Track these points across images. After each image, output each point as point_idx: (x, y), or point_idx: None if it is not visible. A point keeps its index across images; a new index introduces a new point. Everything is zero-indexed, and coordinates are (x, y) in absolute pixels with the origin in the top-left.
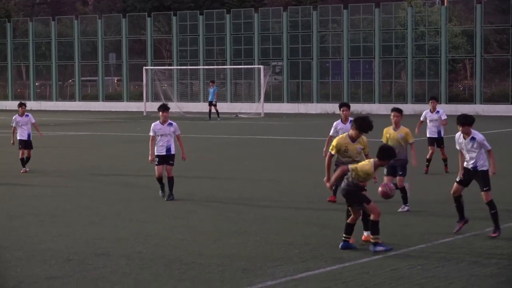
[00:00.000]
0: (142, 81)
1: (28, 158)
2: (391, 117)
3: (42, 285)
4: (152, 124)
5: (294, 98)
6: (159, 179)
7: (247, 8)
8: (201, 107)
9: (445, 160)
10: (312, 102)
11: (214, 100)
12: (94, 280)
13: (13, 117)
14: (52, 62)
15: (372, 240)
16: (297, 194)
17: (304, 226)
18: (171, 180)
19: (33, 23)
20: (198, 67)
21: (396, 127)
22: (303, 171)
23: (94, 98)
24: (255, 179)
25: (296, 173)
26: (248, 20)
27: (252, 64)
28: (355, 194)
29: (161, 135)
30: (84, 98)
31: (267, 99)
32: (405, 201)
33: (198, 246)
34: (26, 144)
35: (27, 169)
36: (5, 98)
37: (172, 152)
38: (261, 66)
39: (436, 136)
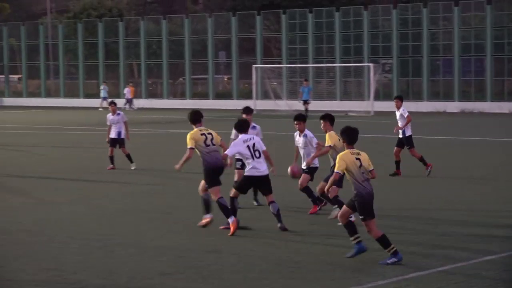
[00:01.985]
0: (251, 79)
1: (128, 156)
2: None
3: (154, 281)
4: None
5: (404, 96)
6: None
7: (356, 5)
8: (311, 105)
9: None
10: (422, 101)
11: (309, 98)
12: (205, 277)
13: (107, 116)
14: (163, 60)
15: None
16: (410, 193)
17: (416, 224)
18: None
19: (145, 22)
20: (308, 65)
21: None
22: (412, 168)
23: (204, 96)
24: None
25: (404, 171)
26: (357, 17)
27: (361, 62)
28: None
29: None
30: (194, 96)
31: (377, 97)
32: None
33: (307, 245)
34: (114, 142)
35: (115, 167)
36: (117, 96)
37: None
38: (371, 64)
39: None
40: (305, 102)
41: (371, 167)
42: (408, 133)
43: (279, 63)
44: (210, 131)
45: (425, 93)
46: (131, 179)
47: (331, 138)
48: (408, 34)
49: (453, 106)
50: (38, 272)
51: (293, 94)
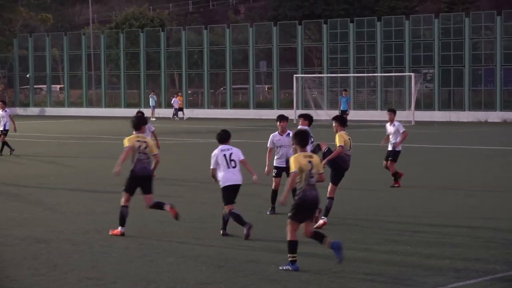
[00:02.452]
0: (292, 88)
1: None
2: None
3: None
4: (271, 135)
5: (446, 106)
6: (275, 192)
7: (398, 15)
8: (351, 115)
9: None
10: (464, 110)
11: (348, 110)
12: (244, 286)
13: None
14: (204, 70)
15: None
16: (448, 203)
17: (454, 237)
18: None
19: (186, 32)
20: (349, 75)
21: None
22: (452, 180)
23: (245, 105)
24: (404, 187)
25: (446, 183)
26: (399, 27)
27: (403, 72)
28: None
29: (279, 146)
30: (235, 105)
31: (418, 107)
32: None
33: (346, 255)
34: None
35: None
36: (159, 106)
37: None
38: (412, 74)
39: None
40: (344, 113)
41: (321, 171)
42: (398, 148)
43: (320, 72)
44: (146, 140)
45: (467, 103)
46: (168, 190)
47: (340, 138)
48: (450, 44)
49: (494, 116)
50: (78, 281)
51: (334, 104)
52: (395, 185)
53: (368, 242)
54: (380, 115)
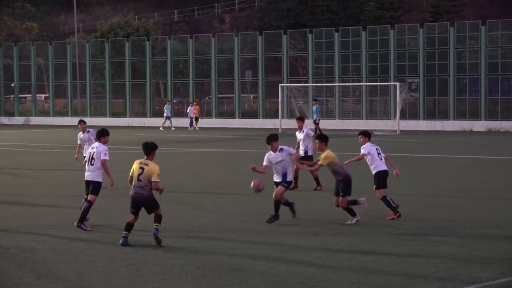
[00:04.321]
0: (278, 98)
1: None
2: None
3: None
4: (266, 154)
5: (431, 115)
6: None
7: (383, 25)
8: (336, 124)
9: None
10: (449, 120)
11: (318, 118)
12: None
13: (78, 134)
14: (190, 79)
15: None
16: (432, 211)
17: (439, 245)
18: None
19: (171, 41)
20: (334, 84)
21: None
22: (437, 189)
23: (231, 115)
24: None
25: (430, 191)
26: (384, 36)
27: (388, 81)
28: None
29: (276, 163)
30: (221, 115)
31: (403, 116)
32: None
33: (332, 263)
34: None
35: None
36: (144, 115)
37: (288, 179)
38: (397, 83)
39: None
40: (314, 122)
41: (154, 179)
42: (310, 153)
43: (305, 82)
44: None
45: (452, 112)
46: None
47: (326, 158)
48: (435, 53)
49: (479, 125)
50: None
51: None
52: (318, 188)
53: (353, 251)
54: (365, 124)
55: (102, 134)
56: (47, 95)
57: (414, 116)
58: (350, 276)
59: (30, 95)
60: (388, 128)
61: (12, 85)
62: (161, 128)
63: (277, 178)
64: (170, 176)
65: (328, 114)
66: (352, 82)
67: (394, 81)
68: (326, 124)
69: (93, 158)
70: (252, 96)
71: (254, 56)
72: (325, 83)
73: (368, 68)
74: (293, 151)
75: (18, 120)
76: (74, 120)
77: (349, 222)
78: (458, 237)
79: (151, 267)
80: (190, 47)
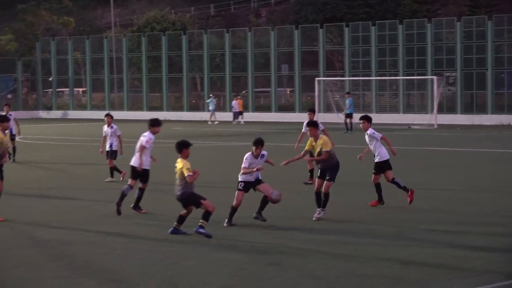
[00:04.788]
0: (314, 92)
1: (111, 168)
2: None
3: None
4: (248, 156)
5: (468, 109)
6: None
7: (420, 18)
8: (373, 118)
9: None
10: (487, 113)
11: (346, 111)
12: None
13: (103, 127)
14: (226, 73)
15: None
16: (470, 206)
17: (477, 239)
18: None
19: (208, 35)
20: (371, 78)
21: (315, 138)
22: (474, 184)
23: (267, 109)
24: (425, 190)
25: (467, 186)
26: (421, 30)
27: (425, 75)
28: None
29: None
30: (257, 109)
31: (441, 110)
32: (324, 205)
33: (368, 257)
34: (110, 154)
35: (113, 179)
36: (180, 109)
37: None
38: (434, 77)
39: None
40: (348, 116)
41: (186, 174)
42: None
43: (342, 76)
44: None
45: (490, 106)
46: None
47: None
48: (472, 47)
49: None
50: (100, 283)
51: (356, 107)
52: (309, 182)
53: (389, 244)
54: (402, 118)
55: (152, 124)
56: (84, 89)
57: (451, 110)
58: (386, 270)
59: (68, 89)
60: (425, 122)
61: (50, 79)
62: (209, 122)
63: (250, 179)
64: (209, 170)
65: (364, 108)
66: (389, 76)
67: (432, 75)
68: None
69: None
70: (288, 90)
71: (290, 50)
72: (362, 77)
73: (405, 62)
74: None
75: (56, 114)
76: (112, 114)
77: (316, 215)
78: (496, 231)
79: (187, 260)
80: (227, 41)
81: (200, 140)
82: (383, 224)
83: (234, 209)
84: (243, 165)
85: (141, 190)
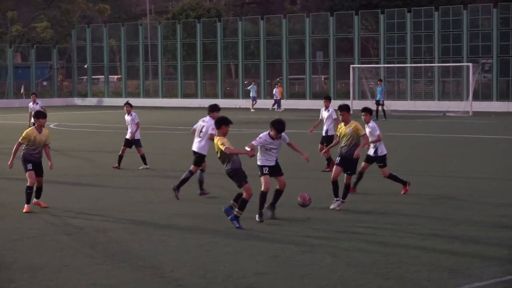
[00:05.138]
0: (349, 79)
1: (142, 156)
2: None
3: (250, 280)
4: (263, 136)
5: (504, 96)
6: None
7: (456, 5)
8: (408, 105)
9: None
10: None
11: (382, 99)
12: (300, 277)
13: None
14: (261, 60)
15: (235, 213)
16: (506, 193)
17: None
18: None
19: (243, 22)
20: (406, 65)
21: (346, 123)
22: (510, 171)
23: (301, 96)
24: (463, 177)
25: (504, 173)
26: (457, 17)
27: (460, 62)
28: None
29: (272, 149)
30: (292, 96)
31: (476, 97)
32: (344, 196)
33: (404, 245)
34: (128, 143)
35: (120, 167)
36: (215, 96)
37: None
38: (470, 64)
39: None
40: (378, 103)
41: (224, 147)
42: (331, 133)
43: (377, 63)
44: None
45: None
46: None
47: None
48: (509, 33)
49: None
50: (135, 270)
51: (390, 94)
52: (327, 170)
53: (424, 233)
54: (437, 105)
55: (212, 109)
56: (119, 76)
57: (487, 97)
58: (421, 257)
59: (103, 76)
60: (460, 109)
61: (85, 66)
62: (252, 110)
63: (269, 162)
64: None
65: (399, 95)
66: (424, 63)
67: (467, 62)
68: (397, 105)
69: (201, 131)
70: (323, 77)
71: (325, 37)
72: (397, 64)
73: (440, 49)
74: (287, 139)
75: (91, 101)
76: (146, 102)
77: (335, 206)
78: None
79: (222, 247)
80: (261, 28)
81: (235, 127)
82: (416, 212)
83: (264, 196)
84: (252, 142)
85: (201, 171)
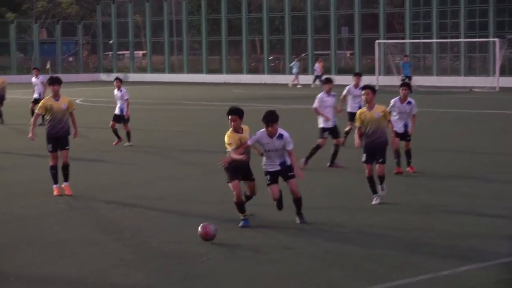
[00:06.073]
0: (374, 54)
1: (127, 133)
2: (362, 95)
3: (277, 256)
4: (258, 134)
5: None
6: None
7: None
8: (434, 80)
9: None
10: None
11: (410, 75)
12: (324, 252)
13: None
14: (286, 36)
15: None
16: None
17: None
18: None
19: None
20: (431, 40)
21: (370, 106)
22: None
23: (326, 71)
24: (487, 154)
25: None
26: None
27: (487, 37)
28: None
29: (270, 151)
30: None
31: (503, 73)
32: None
33: (428, 223)
34: (118, 118)
35: (119, 142)
36: (240, 71)
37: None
38: (497, 39)
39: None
40: (405, 79)
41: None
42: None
43: (402, 38)
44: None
45: None
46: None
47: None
48: None
49: None
50: (161, 244)
51: (416, 70)
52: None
53: (448, 211)
54: (464, 81)
55: (325, 82)
56: (144, 52)
57: None
58: (445, 236)
59: (128, 52)
60: (487, 85)
61: (110, 42)
62: (290, 85)
63: (271, 167)
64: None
65: (425, 70)
66: (450, 39)
67: (494, 37)
68: (423, 81)
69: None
70: (348, 52)
71: (350, 13)
72: (423, 39)
73: (466, 24)
74: (290, 147)
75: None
76: (171, 77)
77: (375, 202)
78: None
79: (252, 223)
80: (286, 4)
81: (260, 103)
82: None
83: (277, 203)
84: (247, 142)
85: (336, 146)
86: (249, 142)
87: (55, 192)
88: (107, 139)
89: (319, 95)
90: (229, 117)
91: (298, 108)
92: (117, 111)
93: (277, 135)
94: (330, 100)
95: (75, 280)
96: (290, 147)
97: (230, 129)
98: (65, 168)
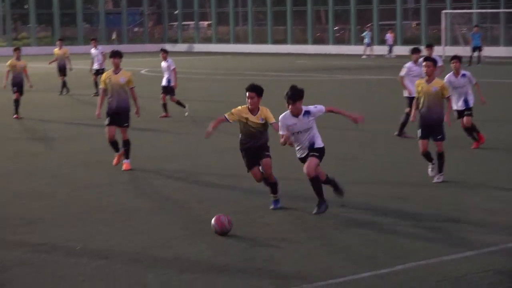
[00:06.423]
0: (440, 25)
1: (177, 102)
2: (423, 67)
3: (300, 247)
4: (281, 118)
5: None
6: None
7: None
8: (501, 51)
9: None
10: None
11: (480, 45)
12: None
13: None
14: (351, 6)
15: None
16: None
17: None
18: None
19: None
20: (499, 10)
21: (430, 79)
22: None
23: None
24: None
25: None
26: None
27: None
28: None
29: (298, 132)
30: (382, 42)
31: None
32: (440, 169)
33: (458, 202)
34: (165, 90)
35: (168, 114)
36: (304, 42)
37: (317, 146)
38: None
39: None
40: (477, 49)
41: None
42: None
43: (469, 8)
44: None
45: None
46: None
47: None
48: None
49: None
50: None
51: (483, 40)
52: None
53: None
54: None
55: (413, 52)
56: (209, 22)
57: None
58: (477, 213)
59: (193, 22)
60: None
61: (175, 12)
62: (363, 56)
63: (301, 153)
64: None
65: (493, 41)
66: None
67: None
68: (490, 52)
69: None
70: (414, 23)
71: None
72: (490, 9)
73: None
74: (323, 109)
75: (181, 47)
76: (237, 48)
77: (437, 180)
78: None
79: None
80: None
81: (325, 73)
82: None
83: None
84: (279, 132)
85: (407, 115)
86: (281, 132)
87: (114, 161)
88: (170, 110)
89: (407, 64)
90: (247, 93)
91: (367, 78)
92: (164, 83)
93: (302, 112)
94: (417, 70)
95: (139, 250)
96: (322, 111)
97: (246, 105)
98: (125, 144)
